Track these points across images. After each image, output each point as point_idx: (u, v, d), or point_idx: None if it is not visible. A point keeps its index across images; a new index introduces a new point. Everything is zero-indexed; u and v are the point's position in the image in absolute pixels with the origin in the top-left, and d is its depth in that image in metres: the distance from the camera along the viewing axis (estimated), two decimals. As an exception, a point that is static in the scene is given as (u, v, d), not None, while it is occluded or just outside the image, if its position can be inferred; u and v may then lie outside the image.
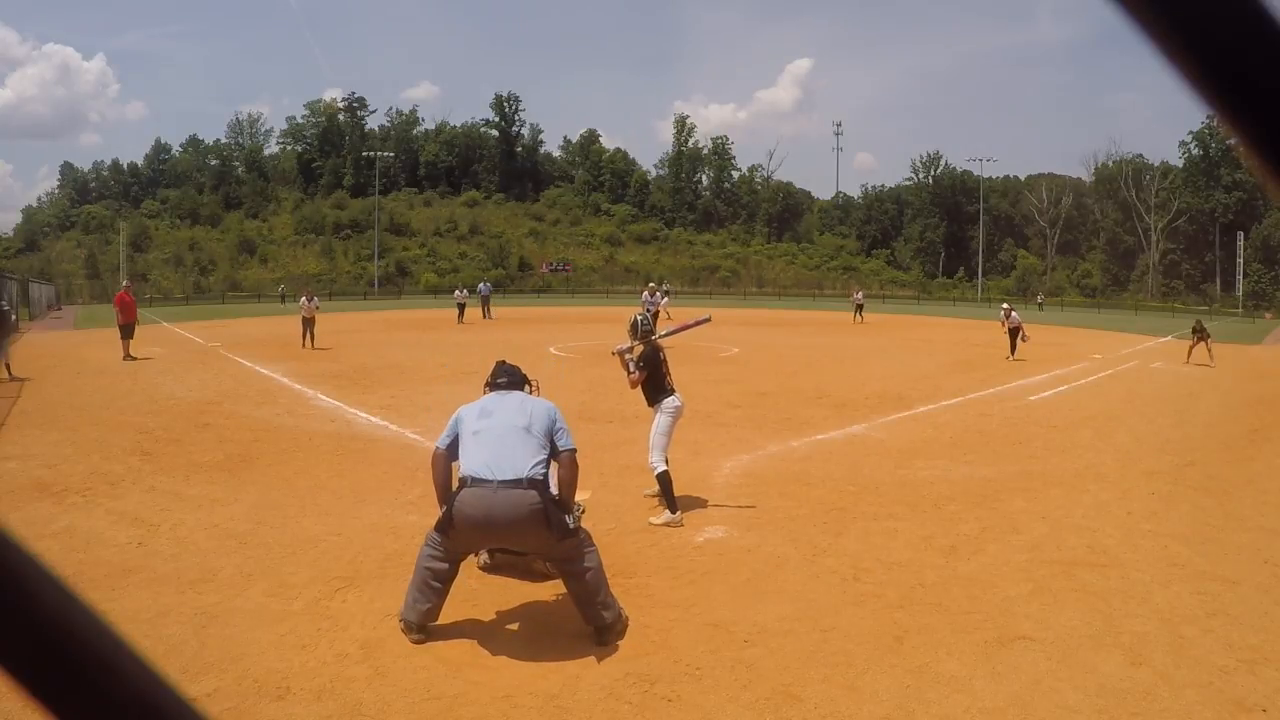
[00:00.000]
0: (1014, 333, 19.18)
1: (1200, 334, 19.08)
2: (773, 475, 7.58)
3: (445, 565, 4.15)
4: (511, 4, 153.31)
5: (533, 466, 4.07)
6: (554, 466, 4.35)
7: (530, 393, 4.75)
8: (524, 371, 4.77)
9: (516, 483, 4.00)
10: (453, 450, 4.28)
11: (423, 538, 4.30)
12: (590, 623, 4.13)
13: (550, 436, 4.25)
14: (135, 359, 16.88)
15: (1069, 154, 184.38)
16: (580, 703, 3.53)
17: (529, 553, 4.51)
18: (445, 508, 4.11)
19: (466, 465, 4.11)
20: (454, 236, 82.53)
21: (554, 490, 4.29)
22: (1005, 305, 20.92)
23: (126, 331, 17.42)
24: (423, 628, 4.12)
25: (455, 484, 4.22)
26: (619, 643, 4.10)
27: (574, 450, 4.33)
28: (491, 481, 4.00)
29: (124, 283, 20.19)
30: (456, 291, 33.28)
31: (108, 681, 0.31)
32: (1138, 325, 36.93)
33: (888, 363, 18.29)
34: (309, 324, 19.91)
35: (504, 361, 4.80)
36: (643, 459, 8.04)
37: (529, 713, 3.45)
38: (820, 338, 25.80)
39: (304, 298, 20.73)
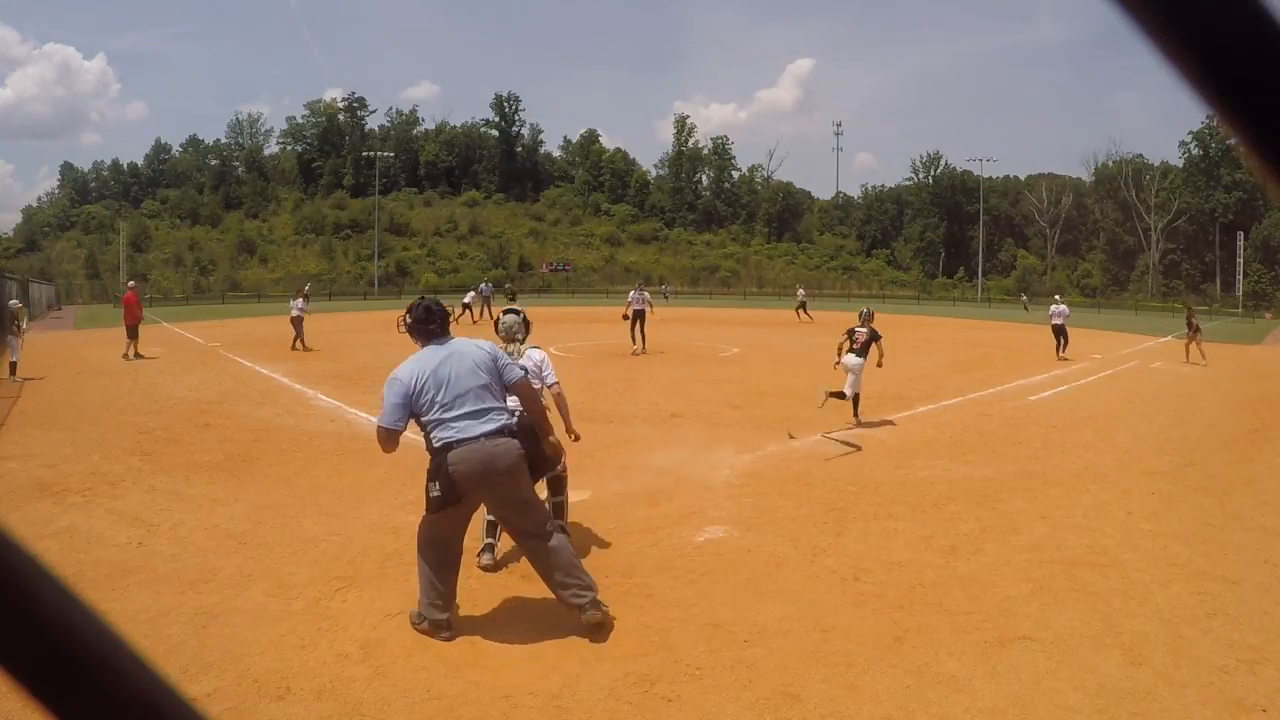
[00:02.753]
0: (1059, 330, 19.36)
1: (1193, 329, 19.29)
2: (773, 475, 7.58)
3: (454, 542, 4.23)
4: (511, 4, 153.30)
5: (501, 413, 4.23)
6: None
7: (453, 321, 4.68)
8: (439, 306, 4.50)
9: (499, 432, 4.16)
10: (403, 427, 4.21)
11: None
12: (570, 602, 4.16)
13: (501, 378, 4.33)
14: (139, 358, 17.04)
15: (1069, 154, 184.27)
16: (580, 703, 3.53)
17: (504, 518, 4.44)
18: (437, 480, 4.13)
19: (447, 435, 4.12)
20: (454, 236, 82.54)
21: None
22: (1057, 296, 20.60)
23: (130, 331, 17.51)
24: (450, 624, 4.16)
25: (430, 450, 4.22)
26: (619, 643, 4.10)
27: (524, 375, 4.45)
28: (479, 437, 4.11)
29: (129, 283, 20.29)
30: (479, 292, 33.58)
31: (108, 681, 0.31)
32: (1138, 325, 36.90)
33: (887, 363, 18.26)
34: (298, 324, 19.56)
35: (425, 301, 4.51)
36: (642, 458, 8.06)
37: (529, 713, 3.45)
38: (820, 338, 25.78)
39: (301, 298, 20.43)
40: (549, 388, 5.37)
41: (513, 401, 4.58)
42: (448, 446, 4.11)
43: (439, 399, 4.16)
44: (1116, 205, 79.14)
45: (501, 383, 4.32)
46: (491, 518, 5.04)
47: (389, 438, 4.18)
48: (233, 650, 3.95)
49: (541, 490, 5.14)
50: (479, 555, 5.14)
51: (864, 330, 10.47)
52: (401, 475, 7.38)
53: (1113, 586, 4.92)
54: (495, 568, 5.12)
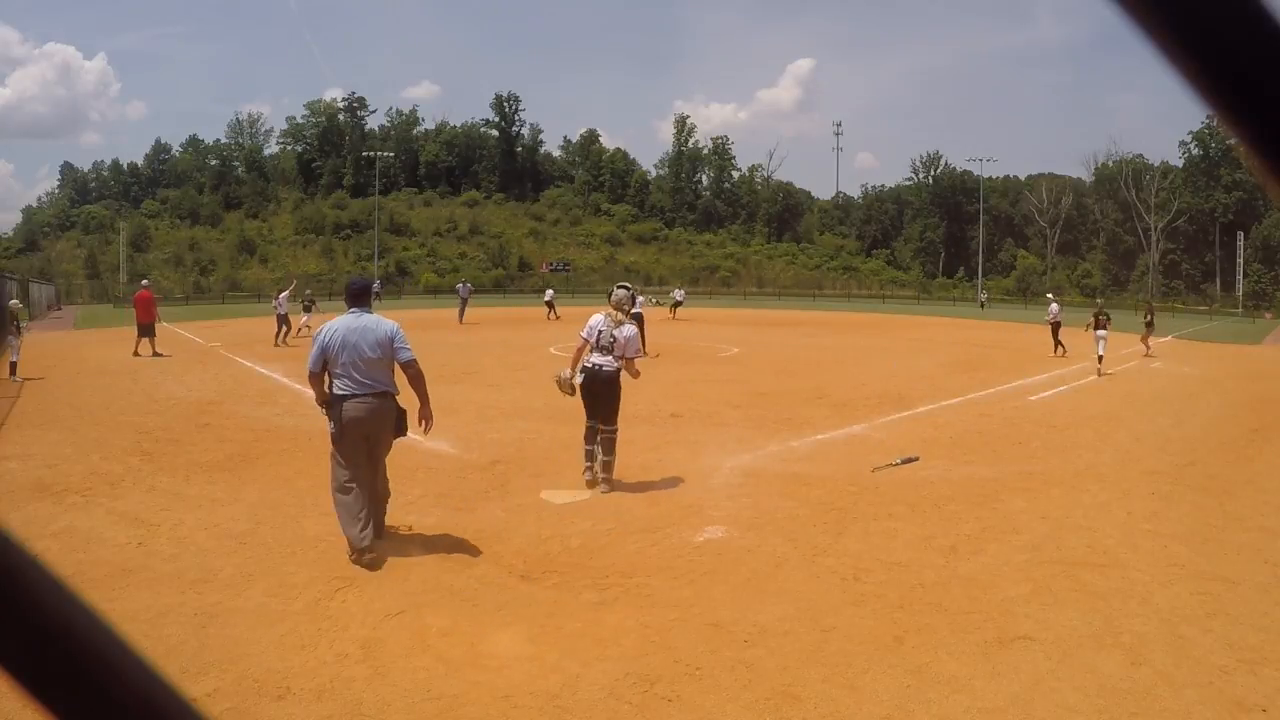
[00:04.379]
0: (1055, 328, 20.28)
1: (1150, 325, 20.96)
2: (773, 475, 7.58)
3: (354, 484, 5.23)
4: (511, 4, 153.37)
5: (388, 382, 5.41)
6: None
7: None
8: (368, 282, 6.12)
9: (383, 395, 5.35)
10: (321, 371, 5.36)
11: (421, 538, 4.36)
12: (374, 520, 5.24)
13: (394, 356, 5.40)
14: (158, 356, 17.32)
15: (1069, 154, 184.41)
16: (580, 703, 3.53)
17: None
18: (334, 422, 5.30)
19: (343, 387, 5.30)
20: (454, 236, 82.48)
21: None
22: (1049, 295, 21.59)
23: (144, 329, 17.71)
24: (373, 548, 5.08)
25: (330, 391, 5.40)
26: (619, 643, 4.10)
27: (414, 359, 5.45)
28: (366, 395, 5.29)
29: (144, 281, 20.75)
30: (549, 291, 33.52)
31: (108, 681, 0.31)
32: (1138, 325, 36.86)
33: (888, 363, 18.29)
34: (284, 321, 20.71)
35: (362, 279, 6.12)
36: (642, 458, 8.04)
37: (529, 713, 3.45)
38: (820, 338, 25.79)
39: (293, 297, 21.36)
40: (630, 359, 6.99)
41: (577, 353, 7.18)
42: (342, 397, 5.29)
43: (342, 358, 5.28)
44: (1116, 205, 79.08)
45: (391, 357, 5.37)
46: (591, 447, 6.96)
47: (312, 378, 5.39)
48: (233, 650, 3.95)
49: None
50: (584, 474, 6.95)
51: (1105, 315, 17.03)
52: (401, 475, 7.37)
53: (1113, 586, 4.92)
54: (595, 483, 6.83)
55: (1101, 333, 16.57)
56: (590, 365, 6.96)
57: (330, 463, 5.37)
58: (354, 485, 5.24)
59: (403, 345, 5.40)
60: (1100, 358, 16.39)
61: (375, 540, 5.13)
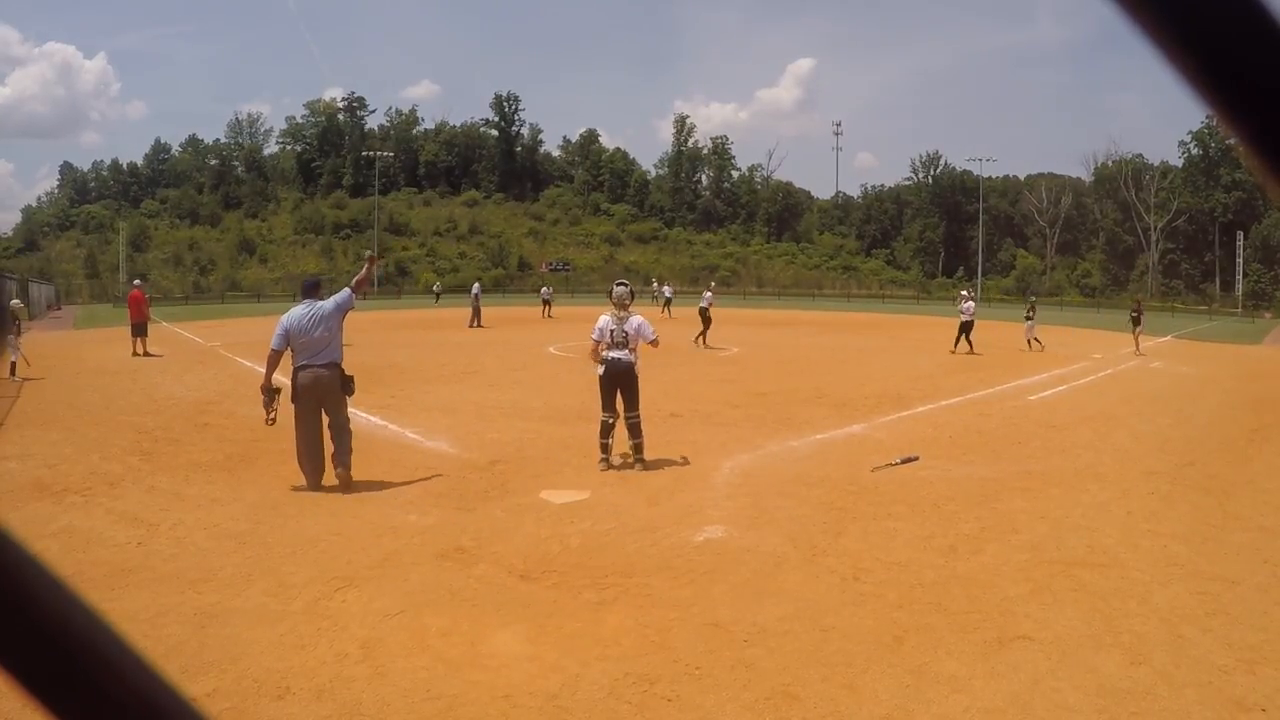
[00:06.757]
0: (966, 326, 20.35)
1: (1030, 318, 22.05)
2: (773, 475, 7.58)
3: (312, 429, 6.87)
4: (511, 4, 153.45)
5: (335, 354, 7.01)
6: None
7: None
8: (318, 279, 7.85)
9: (330, 365, 6.94)
10: (283, 349, 6.98)
11: (421, 537, 4.42)
12: (333, 461, 6.84)
13: (341, 321, 7.06)
14: (148, 356, 17.30)
15: (1069, 154, 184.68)
16: (580, 703, 3.53)
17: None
18: (293, 387, 6.89)
19: (300, 360, 6.91)
20: (453, 236, 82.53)
21: None
22: (965, 292, 22.38)
23: (136, 329, 17.72)
24: (318, 483, 6.77)
25: (292, 366, 7.01)
26: (619, 643, 4.10)
27: (350, 291, 7.24)
28: (315, 365, 6.88)
29: (135, 281, 20.70)
30: (544, 289, 34.14)
31: (107, 681, 0.31)
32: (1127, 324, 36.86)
33: (887, 363, 18.29)
34: None
35: (315, 277, 8.09)
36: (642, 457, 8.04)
37: (529, 713, 3.45)
38: (820, 337, 25.80)
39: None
40: (650, 343, 7.92)
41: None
42: (299, 369, 6.90)
43: (299, 339, 6.89)
44: (1116, 205, 79.07)
45: (340, 327, 7.06)
46: (606, 440, 7.69)
47: (274, 355, 7.06)
48: (232, 650, 3.95)
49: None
50: (599, 464, 7.57)
51: (1032, 315, 21.66)
52: (401, 475, 7.39)
53: (1113, 586, 4.92)
54: (608, 468, 7.53)
55: (1029, 323, 21.46)
56: (610, 358, 7.65)
57: (295, 421, 6.89)
58: (309, 444, 6.85)
59: (342, 298, 7.07)
60: (1031, 341, 21.00)
61: (341, 470, 6.81)
